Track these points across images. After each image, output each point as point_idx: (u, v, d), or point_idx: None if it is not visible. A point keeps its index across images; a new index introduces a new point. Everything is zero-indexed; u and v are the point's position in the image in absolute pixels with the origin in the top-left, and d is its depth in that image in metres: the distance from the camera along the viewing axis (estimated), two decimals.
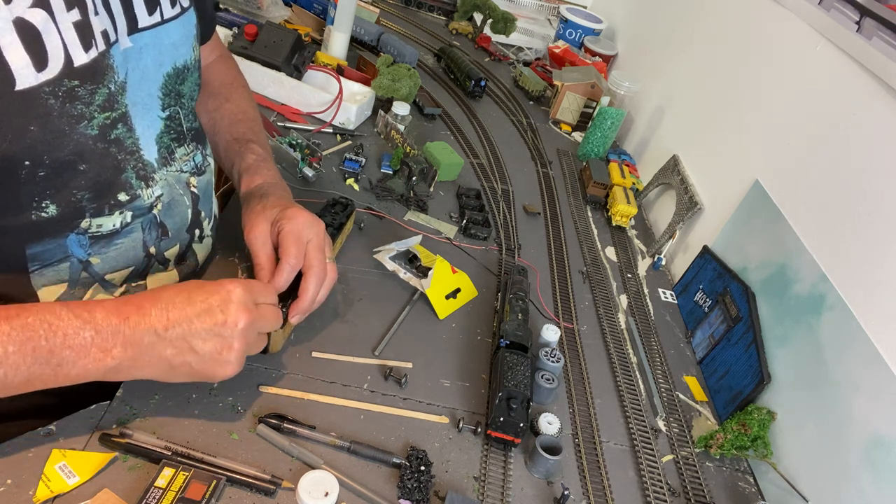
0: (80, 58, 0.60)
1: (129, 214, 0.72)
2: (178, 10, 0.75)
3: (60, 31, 0.58)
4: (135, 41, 0.68)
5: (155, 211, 0.75)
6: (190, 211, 0.80)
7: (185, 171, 0.80)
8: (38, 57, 0.57)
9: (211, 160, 0.86)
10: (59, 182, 0.63)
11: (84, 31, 0.60)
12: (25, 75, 0.56)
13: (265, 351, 0.79)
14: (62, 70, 0.59)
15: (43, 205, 0.63)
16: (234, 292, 0.65)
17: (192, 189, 0.81)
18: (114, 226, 0.70)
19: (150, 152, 0.73)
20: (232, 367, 0.66)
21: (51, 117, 0.59)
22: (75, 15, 0.59)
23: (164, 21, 0.72)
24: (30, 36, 0.56)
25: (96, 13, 0.62)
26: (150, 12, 0.70)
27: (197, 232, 0.83)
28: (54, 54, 0.58)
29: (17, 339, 0.55)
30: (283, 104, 1.32)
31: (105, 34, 0.63)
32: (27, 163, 0.60)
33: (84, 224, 0.68)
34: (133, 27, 0.68)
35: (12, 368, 0.55)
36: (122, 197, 0.70)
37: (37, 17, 0.56)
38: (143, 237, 0.75)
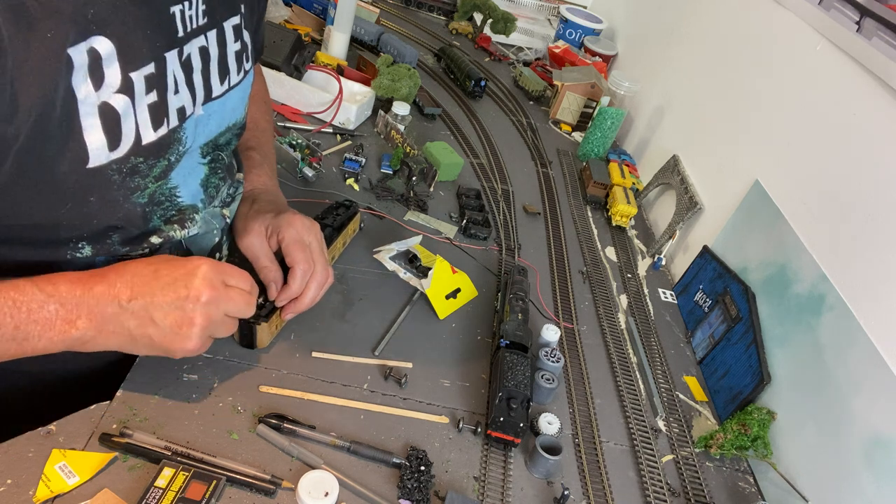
0: (149, 136, 0.62)
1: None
2: (241, 75, 0.76)
3: (136, 113, 0.59)
4: (206, 109, 0.70)
5: (182, 239, 0.75)
6: (217, 238, 0.81)
7: (223, 205, 0.80)
8: (113, 137, 0.58)
9: (241, 187, 0.86)
10: (100, 234, 0.65)
11: (157, 112, 0.62)
12: (98, 155, 0.57)
13: (252, 346, 0.79)
14: (131, 149, 0.60)
15: (79, 245, 0.64)
16: (200, 268, 0.64)
17: (226, 219, 0.81)
18: (143, 250, 0.70)
19: (192, 197, 0.73)
20: (193, 343, 0.64)
21: (110, 190, 0.61)
22: (153, 97, 0.61)
23: (231, 88, 0.74)
24: (110, 119, 0.57)
25: (176, 91, 0.64)
26: (222, 81, 0.72)
27: (217, 256, 0.84)
28: (127, 135, 0.59)
29: None
30: (283, 104, 1.32)
31: (181, 110, 0.65)
32: (77, 222, 0.61)
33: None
34: (208, 97, 0.70)
35: None
36: (155, 240, 0.70)
37: (119, 102, 0.58)
38: None
